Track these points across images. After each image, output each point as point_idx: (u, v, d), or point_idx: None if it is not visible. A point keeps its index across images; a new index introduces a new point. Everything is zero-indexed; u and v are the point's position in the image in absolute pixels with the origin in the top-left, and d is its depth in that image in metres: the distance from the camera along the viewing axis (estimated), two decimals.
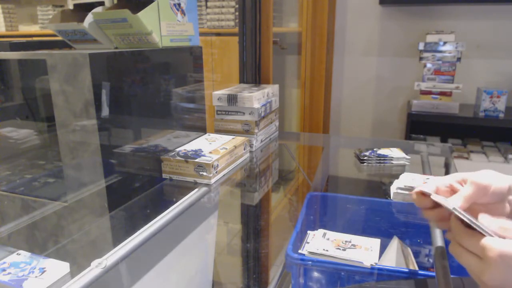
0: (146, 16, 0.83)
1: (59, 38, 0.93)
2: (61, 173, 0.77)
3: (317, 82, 2.31)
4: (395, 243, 0.97)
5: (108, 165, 0.74)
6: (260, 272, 0.89)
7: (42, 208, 0.79)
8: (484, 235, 0.39)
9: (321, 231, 0.88)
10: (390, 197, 0.88)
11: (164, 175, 0.91)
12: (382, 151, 1.15)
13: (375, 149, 1.16)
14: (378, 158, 1.12)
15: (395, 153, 1.13)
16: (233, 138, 1.05)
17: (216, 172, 0.89)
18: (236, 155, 1.01)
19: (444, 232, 0.67)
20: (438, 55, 1.99)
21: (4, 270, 0.81)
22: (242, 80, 1.47)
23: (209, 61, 2.36)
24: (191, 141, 1.03)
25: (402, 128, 2.35)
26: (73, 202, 0.76)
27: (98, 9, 0.86)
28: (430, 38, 2.00)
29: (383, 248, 0.91)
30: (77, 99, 0.70)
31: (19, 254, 0.86)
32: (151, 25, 0.85)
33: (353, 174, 1.19)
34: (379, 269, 0.73)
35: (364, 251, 0.79)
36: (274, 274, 0.82)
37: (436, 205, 0.48)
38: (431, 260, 1.01)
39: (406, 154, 1.12)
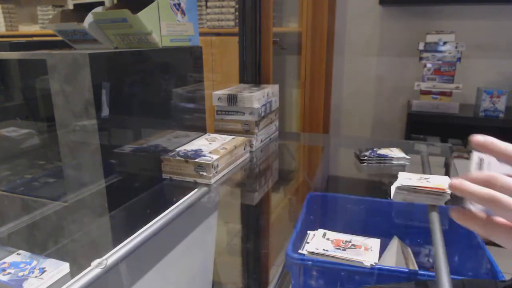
0: (146, 16, 0.83)
1: (59, 38, 0.93)
2: (61, 173, 0.77)
3: (317, 82, 2.31)
4: (395, 243, 0.97)
5: (108, 165, 0.74)
6: (260, 272, 0.89)
7: (42, 208, 0.79)
8: None
9: (321, 231, 0.88)
10: (390, 197, 0.88)
11: (164, 175, 0.91)
12: (382, 151, 1.15)
13: (375, 149, 1.16)
14: (378, 158, 1.12)
15: (395, 153, 1.13)
16: (233, 138, 1.05)
17: (216, 172, 0.89)
18: (236, 155, 1.00)
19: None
20: (438, 55, 1.99)
21: (4, 270, 0.81)
22: (242, 80, 1.47)
23: (209, 61, 2.36)
24: (191, 141, 1.03)
25: (402, 128, 2.35)
26: (73, 202, 0.76)
27: (98, 9, 0.86)
28: (430, 38, 2.00)
29: (383, 248, 0.91)
30: (77, 99, 0.70)
31: (19, 254, 0.86)
32: (151, 25, 0.85)
33: (353, 174, 1.19)
34: (379, 269, 0.73)
35: (364, 251, 0.79)
36: (274, 274, 0.82)
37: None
38: (431, 260, 1.01)
39: (406, 154, 1.12)
